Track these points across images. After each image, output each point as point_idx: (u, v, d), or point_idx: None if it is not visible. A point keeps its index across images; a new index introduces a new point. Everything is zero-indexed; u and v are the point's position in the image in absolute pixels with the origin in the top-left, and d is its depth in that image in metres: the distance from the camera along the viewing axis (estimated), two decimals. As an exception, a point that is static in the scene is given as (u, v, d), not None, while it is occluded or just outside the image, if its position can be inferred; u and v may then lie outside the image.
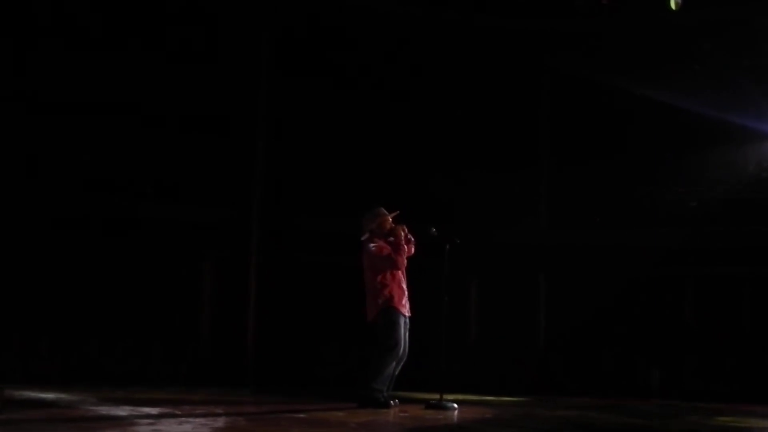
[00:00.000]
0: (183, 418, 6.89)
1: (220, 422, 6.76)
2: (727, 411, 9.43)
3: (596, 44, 13.34)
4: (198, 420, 6.80)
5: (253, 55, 12.91)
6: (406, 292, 8.39)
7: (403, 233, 8.45)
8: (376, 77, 13.31)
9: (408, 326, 8.37)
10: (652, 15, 12.95)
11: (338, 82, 13.13)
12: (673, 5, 12.17)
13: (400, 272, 8.38)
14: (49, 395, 8.49)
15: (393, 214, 8.54)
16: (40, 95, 11.86)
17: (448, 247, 8.48)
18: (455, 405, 8.29)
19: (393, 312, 8.23)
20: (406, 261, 8.39)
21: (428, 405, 8.28)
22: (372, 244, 8.38)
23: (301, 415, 7.47)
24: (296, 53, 13.10)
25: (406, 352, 8.33)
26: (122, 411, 7.24)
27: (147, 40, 12.35)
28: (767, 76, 12.84)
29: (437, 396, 8.30)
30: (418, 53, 13.38)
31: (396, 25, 13.17)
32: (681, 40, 13.01)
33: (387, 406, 8.08)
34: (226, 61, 12.70)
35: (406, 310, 8.35)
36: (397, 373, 8.33)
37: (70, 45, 11.94)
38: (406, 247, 8.44)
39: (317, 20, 13.03)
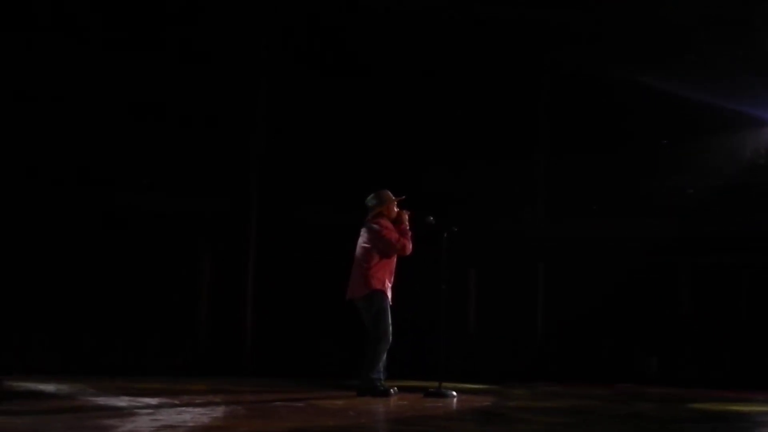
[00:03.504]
0: (182, 408, 6.90)
1: (219, 411, 6.76)
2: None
3: (594, 35, 13.34)
4: (197, 409, 6.81)
5: (251, 48, 12.90)
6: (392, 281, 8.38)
7: (406, 219, 8.41)
8: (373, 69, 13.30)
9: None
10: (650, 6, 12.95)
11: (336, 75, 13.12)
12: None
13: (395, 260, 8.35)
14: (49, 386, 8.49)
15: (399, 199, 8.50)
16: (36, 89, 11.87)
17: (445, 235, 8.47)
18: (454, 393, 8.30)
19: (382, 298, 8.20)
20: (411, 246, 8.30)
21: (427, 393, 8.28)
22: (381, 226, 8.28)
23: (300, 404, 7.48)
24: (295, 46, 13.10)
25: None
26: (121, 401, 7.25)
27: (146, 36, 12.35)
28: (763, 63, 12.85)
29: (436, 384, 8.31)
30: (415, 45, 13.36)
31: (394, 19, 13.15)
32: (678, 30, 13.01)
33: (386, 394, 8.08)
34: (224, 53, 12.70)
35: (390, 297, 8.33)
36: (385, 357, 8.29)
37: (68, 42, 11.97)
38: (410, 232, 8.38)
39: (316, 13, 13.03)
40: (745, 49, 12.85)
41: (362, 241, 8.37)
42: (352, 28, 13.08)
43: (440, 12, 13.17)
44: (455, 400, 8.12)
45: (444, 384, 8.32)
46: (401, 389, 8.45)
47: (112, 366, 11.29)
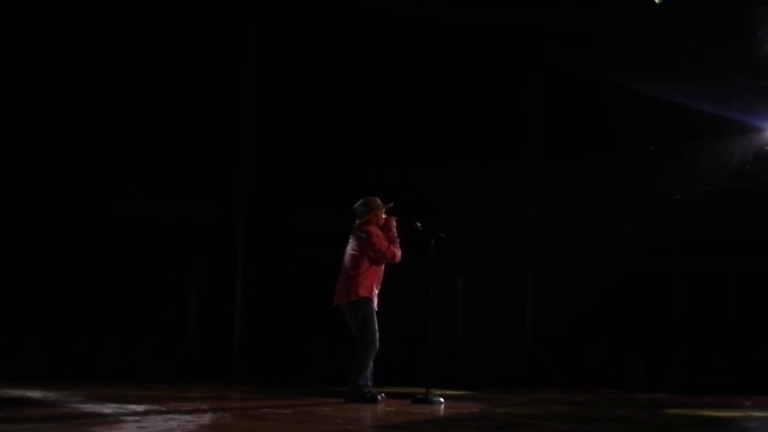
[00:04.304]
0: (169, 415, 6.86)
1: (206, 419, 6.73)
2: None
3: (583, 39, 13.37)
4: (184, 417, 6.77)
5: (239, 54, 12.90)
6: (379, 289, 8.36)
7: (394, 225, 8.39)
8: (362, 74, 13.31)
9: None
10: (639, 10, 12.98)
11: (324, 79, 13.13)
12: None
13: (383, 267, 8.31)
14: (35, 393, 8.44)
15: (387, 206, 8.46)
16: (26, 95, 11.85)
17: (433, 241, 8.43)
18: (442, 400, 8.27)
19: (368, 305, 8.16)
20: (400, 253, 8.26)
21: (415, 400, 8.26)
22: (370, 234, 8.23)
23: (288, 411, 7.46)
24: (283, 51, 13.09)
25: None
26: (108, 408, 7.21)
27: (134, 39, 12.34)
28: (754, 68, 12.89)
29: (424, 391, 8.29)
30: (404, 49, 13.37)
31: (382, 22, 13.17)
32: (667, 34, 13.05)
33: (374, 401, 8.05)
34: (212, 59, 12.70)
35: (376, 303, 8.30)
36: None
37: (58, 46, 11.94)
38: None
39: (303, 18, 13.03)
40: (735, 54, 12.90)
41: (350, 248, 8.33)
42: (341, 35, 13.08)
43: (431, 18, 13.20)
44: (443, 406, 8.10)
45: (432, 390, 8.29)
46: (389, 396, 8.43)
47: (102, 372, 11.26)
